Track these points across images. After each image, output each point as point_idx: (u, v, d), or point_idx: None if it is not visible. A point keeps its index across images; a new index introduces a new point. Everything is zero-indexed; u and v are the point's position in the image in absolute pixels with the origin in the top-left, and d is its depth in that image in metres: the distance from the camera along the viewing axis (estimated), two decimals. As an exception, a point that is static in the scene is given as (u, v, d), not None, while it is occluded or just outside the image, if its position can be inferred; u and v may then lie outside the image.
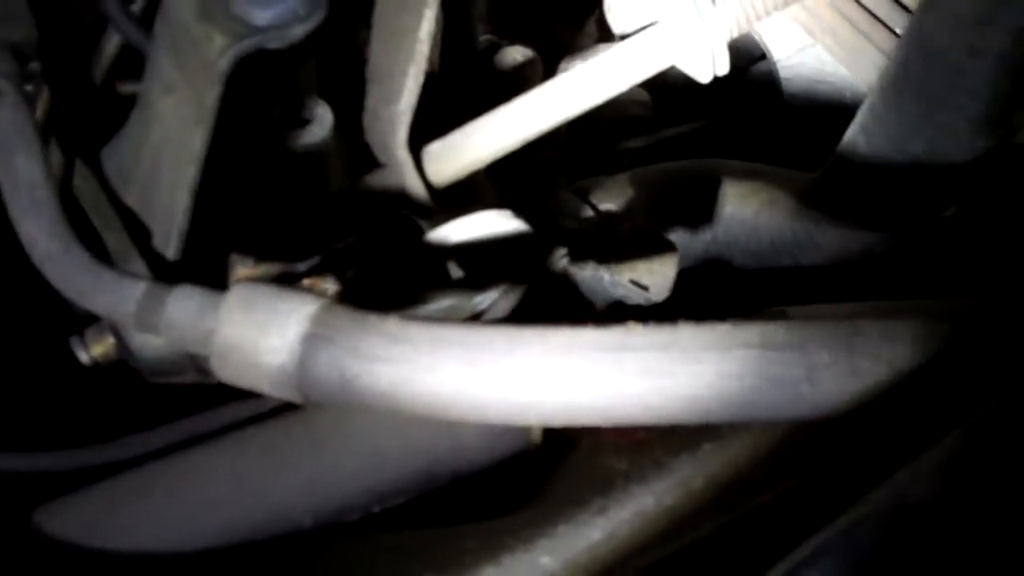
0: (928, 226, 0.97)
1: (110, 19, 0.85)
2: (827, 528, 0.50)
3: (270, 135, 0.84)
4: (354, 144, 0.91)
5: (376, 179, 0.91)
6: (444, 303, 0.81)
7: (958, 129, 0.86)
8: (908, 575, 0.49)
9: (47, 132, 0.80)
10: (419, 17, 0.84)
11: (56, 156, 0.81)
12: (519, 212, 0.87)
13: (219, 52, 0.71)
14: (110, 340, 0.79)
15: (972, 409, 0.55)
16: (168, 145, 0.77)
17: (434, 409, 0.63)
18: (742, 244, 1.08)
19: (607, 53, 0.92)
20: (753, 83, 1.35)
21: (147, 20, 0.82)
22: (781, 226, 1.05)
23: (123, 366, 0.80)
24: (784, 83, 1.25)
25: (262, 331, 0.64)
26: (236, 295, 0.66)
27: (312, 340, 0.63)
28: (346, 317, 0.64)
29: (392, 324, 0.64)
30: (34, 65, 0.81)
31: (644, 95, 1.26)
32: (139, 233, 0.80)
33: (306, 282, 0.77)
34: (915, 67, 0.86)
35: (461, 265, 0.86)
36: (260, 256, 0.75)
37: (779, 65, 1.25)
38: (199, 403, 0.76)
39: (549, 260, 0.90)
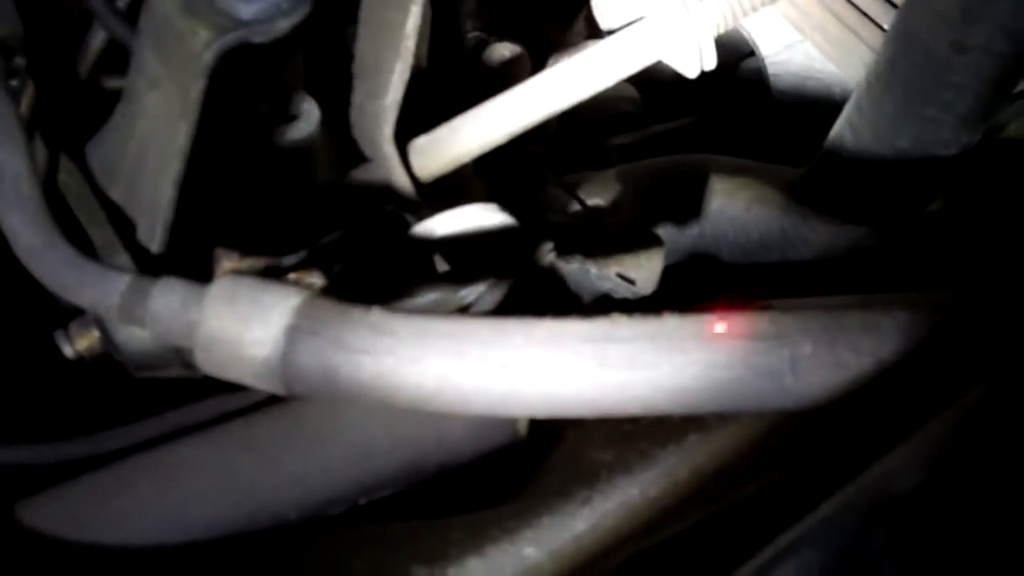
0: (914, 220, 0.97)
1: (95, 14, 0.85)
2: (808, 517, 0.50)
3: (257, 130, 0.84)
4: (341, 139, 0.91)
5: (362, 174, 0.91)
6: (430, 297, 0.81)
7: (943, 124, 0.87)
8: (889, 564, 0.49)
9: (32, 127, 0.80)
10: (405, 12, 0.84)
11: (41, 151, 0.81)
12: (506, 206, 0.87)
13: (203, 46, 0.71)
14: (95, 334, 0.78)
15: (956, 399, 0.55)
16: (153, 139, 0.77)
17: (419, 401, 0.63)
18: (730, 239, 1.08)
19: (594, 48, 0.92)
20: (741, 79, 1.35)
21: (132, 15, 0.81)
22: (769, 221, 1.05)
23: (108, 360, 0.80)
24: (772, 79, 1.25)
25: (245, 323, 0.64)
26: (220, 287, 0.66)
27: (295, 332, 0.63)
28: (329, 309, 0.64)
29: (376, 316, 0.64)
30: (19, 60, 0.81)
31: (632, 91, 1.27)
32: (124, 227, 0.80)
33: (292, 276, 0.77)
34: (901, 62, 0.86)
35: (447, 259, 0.86)
36: (246, 250, 0.75)
37: (767, 61, 1.25)
38: (184, 396, 0.76)
39: (536, 254, 0.90)
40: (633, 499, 0.67)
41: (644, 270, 0.92)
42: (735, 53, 1.33)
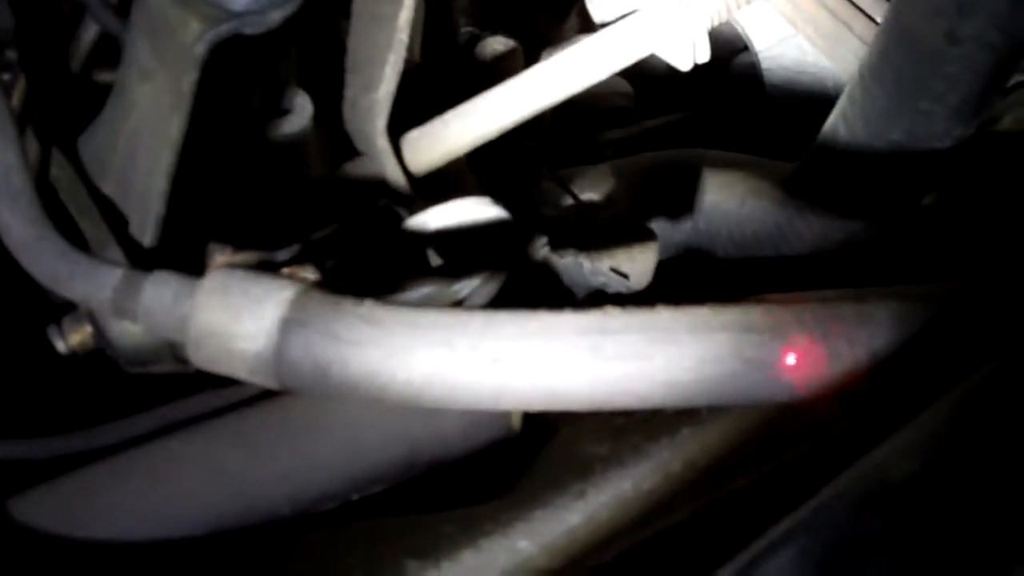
0: (908, 213, 0.97)
1: (87, 7, 0.85)
2: (803, 506, 0.50)
3: (250, 124, 0.84)
4: (334, 133, 0.91)
5: (356, 168, 0.91)
6: (423, 291, 0.81)
7: (936, 117, 0.87)
8: (884, 553, 0.49)
9: (24, 120, 0.80)
10: (398, 6, 0.84)
11: (33, 144, 0.81)
12: (500, 200, 0.87)
13: (195, 37, 0.71)
14: (87, 329, 0.78)
15: (950, 389, 0.55)
16: (145, 131, 0.77)
17: (411, 394, 0.63)
18: (724, 234, 1.08)
19: (587, 42, 0.92)
20: (735, 74, 1.35)
21: (124, 8, 0.81)
22: (763, 215, 1.05)
23: (101, 355, 0.79)
24: (766, 73, 1.25)
25: (237, 316, 0.64)
26: (212, 281, 0.66)
27: (288, 325, 0.63)
28: (322, 302, 0.64)
29: (368, 309, 0.63)
30: (10, 53, 0.81)
31: (626, 86, 1.27)
32: (116, 220, 0.80)
33: (286, 271, 0.77)
34: (893, 55, 0.86)
35: (441, 253, 0.86)
36: (239, 244, 0.74)
37: (761, 56, 1.25)
38: (177, 391, 0.76)
39: (529, 248, 0.90)
40: (626, 492, 0.67)
41: (637, 264, 0.92)
42: (728, 47, 1.33)
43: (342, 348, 0.62)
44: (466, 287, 0.81)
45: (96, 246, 0.78)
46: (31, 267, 0.71)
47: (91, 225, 0.79)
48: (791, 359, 0.61)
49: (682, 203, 1.09)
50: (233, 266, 0.70)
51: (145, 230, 0.77)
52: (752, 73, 1.27)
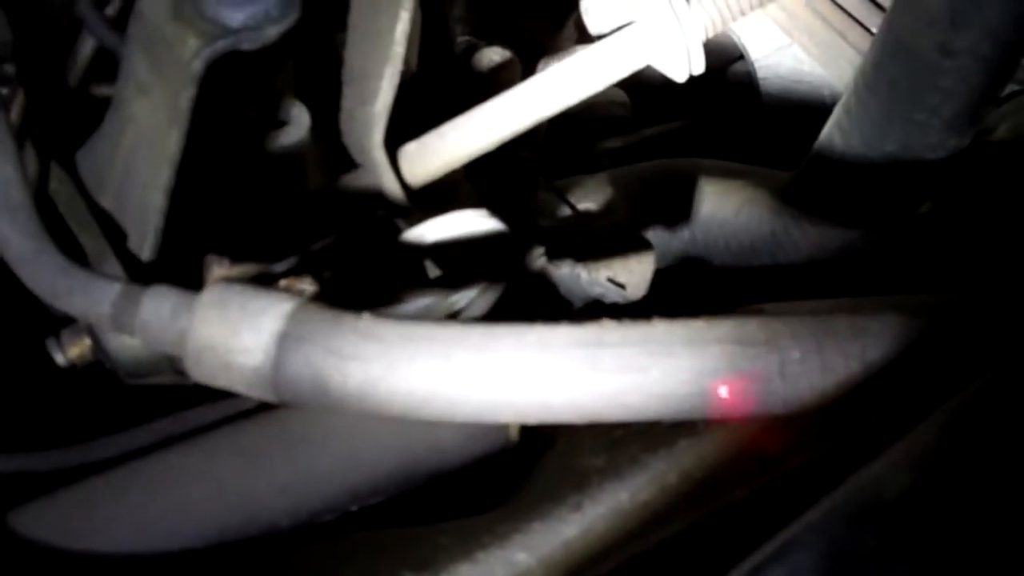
0: (903, 223, 0.97)
1: (84, 22, 0.85)
2: (797, 521, 0.51)
3: (247, 136, 0.84)
4: (331, 145, 0.91)
5: (353, 180, 0.91)
6: (421, 302, 0.81)
7: (931, 128, 0.87)
8: (879, 567, 0.49)
9: (22, 134, 0.80)
10: (395, 18, 0.85)
11: (31, 158, 0.81)
12: (497, 211, 0.87)
13: (193, 53, 0.71)
14: (86, 341, 0.79)
15: (944, 402, 0.56)
16: (143, 146, 0.77)
17: (410, 408, 0.63)
18: (720, 243, 1.09)
19: (583, 53, 0.92)
20: (731, 83, 1.35)
21: (121, 23, 0.81)
22: (759, 224, 1.05)
23: (99, 367, 0.80)
24: (762, 83, 1.26)
25: (236, 331, 0.64)
26: (210, 295, 0.66)
27: (286, 339, 0.63)
28: (320, 316, 0.64)
29: (366, 322, 0.64)
30: (8, 68, 0.82)
31: (622, 95, 1.27)
32: (115, 235, 0.80)
33: (283, 283, 0.77)
34: (888, 66, 0.87)
35: (438, 264, 0.86)
36: (237, 257, 0.75)
37: (757, 65, 1.25)
38: (175, 404, 0.76)
39: (526, 259, 0.90)
40: (623, 504, 0.67)
41: (634, 274, 0.92)
42: (724, 57, 1.34)
43: (341, 362, 0.62)
44: (464, 298, 0.82)
45: (95, 260, 0.79)
46: (30, 281, 0.72)
47: (90, 239, 0.80)
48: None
49: (678, 212, 1.10)
50: (231, 279, 0.71)
51: (143, 244, 0.78)
52: (748, 82, 1.28)
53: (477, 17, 1.18)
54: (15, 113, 0.80)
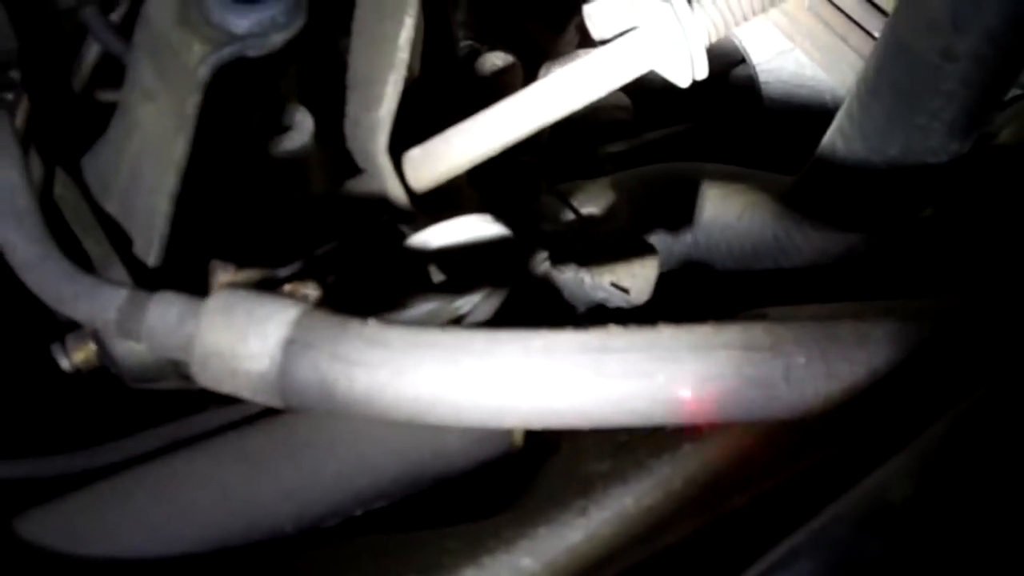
0: (905, 227, 0.98)
1: (89, 28, 0.85)
2: (803, 528, 0.51)
3: (251, 142, 0.85)
4: (335, 150, 0.92)
5: (357, 185, 0.91)
6: (425, 307, 0.81)
7: (933, 132, 0.87)
8: (884, 574, 0.49)
9: (27, 140, 0.80)
10: (399, 24, 0.85)
11: (36, 164, 0.82)
12: (500, 216, 0.87)
13: (199, 60, 0.71)
14: (91, 347, 0.79)
15: (949, 408, 0.56)
16: (148, 152, 0.78)
17: (415, 413, 0.63)
18: (723, 247, 1.09)
19: (586, 58, 0.92)
20: (733, 87, 1.36)
21: (127, 29, 0.82)
22: (761, 229, 1.05)
23: (105, 372, 0.80)
24: (764, 87, 1.26)
25: (242, 337, 0.64)
26: (216, 301, 0.66)
27: (292, 345, 0.64)
28: (326, 322, 0.64)
29: (372, 328, 0.64)
30: (14, 74, 0.82)
31: (625, 99, 1.27)
32: (120, 240, 0.80)
33: (287, 288, 0.77)
34: (890, 70, 0.87)
35: (442, 270, 0.86)
36: (242, 262, 0.75)
37: (759, 69, 1.26)
38: (181, 409, 0.77)
39: (530, 264, 0.91)
40: (628, 509, 0.67)
41: (638, 279, 0.92)
42: (727, 61, 1.34)
43: (347, 368, 0.62)
44: (468, 303, 0.82)
45: (100, 266, 0.79)
46: (35, 287, 0.72)
47: (95, 245, 0.80)
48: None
49: (681, 217, 1.10)
50: (236, 284, 0.71)
51: (149, 250, 0.78)
52: (751, 86, 1.28)
53: (479, 21, 1.18)
54: (20, 119, 0.80)
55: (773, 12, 1.15)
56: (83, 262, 0.75)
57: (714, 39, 0.93)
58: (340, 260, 0.86)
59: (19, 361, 0.84)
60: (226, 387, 0.66)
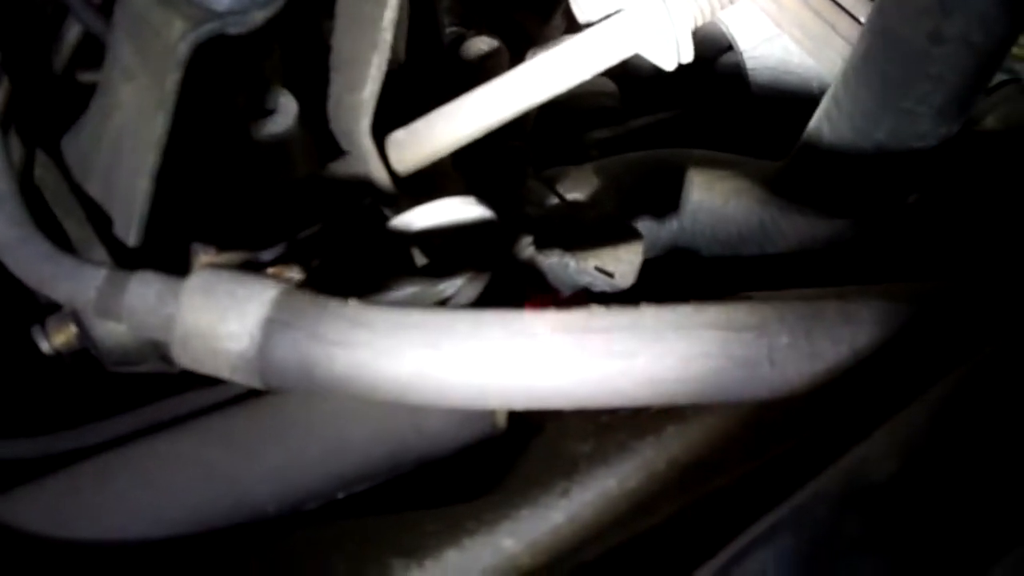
0: (892, 212, 0.97)
1: (70, 7, 0.84)
2: (783, 504, 0.50)
3: (234, 124, 0.84)
4: (318, 133, 0.91)
5: (340, 167, 0.91)
6: (409, 290, 0.81)
7: (920, 116, 0.87)
8: (864, 552, 0.49)
9: (7, 121, 0.80)
10: (383, 6, 0.84)
11: (16, 145, 0.81)
12: (485, 200, 0.87)
13: (179, 37, 0.71)
14: (72, 329, 0.78)
15: (931, 388, 0.56)
16: (129, 132, 0.77)
17: (396, 394, 0.63)
18: (709, 233, 1.09)
19: (571, 42, 0.92)
20: (720, 73, 1.35)
21: (107, 8, 0.81)
22: (748, 214, 1.05)
23: (85, 355, 0.79)
24: (751, 73, 1.26)
25: (222, 316, 0.64)
26: (196, 280, 0.66)
27: (272, 325, 0.63)
28: (306, 302, 0.64)
29: (353, 309, 0.63)
30: (-7, 54, 0.81)
31: (611, 85, 1.27)
32: (101, 221, 0.80)
33: (271, 270, 0.77)
34: (877, 54, 0.87)
35: (426, 253, 0.86)
36: (224, 245, 0.74)
37: (746, 55, 1.25)
38: (162, 391, 0.76)
39: (515, 248, 0.90)
40: (611, 490, 0.67)
41: (623, 264, 0.92)
42: (713, 47, 1.34)
43: (327, 348, 0.62)
44: (451, 286, 0.81)
45: (80, 246, 0.78)
46: (15, 268, 0.71)
47: (76, 225, 0.79)
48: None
49: (667, 202, 1.10)
50: (217, 266, 0.70)
51: (129, 230, 0.77)
52: (737, 73, 1.28)
53: (464, 6, 1.18)
54: (0, 100, 0.80)
55: (760, -2, 1.15)
56: (63, 243, 0.74)
57: (700, 23, 0.93)
58: (323, 243, 0.85)
59: (-1, 343, 0.83)
60: (206, 367, 0.66)
